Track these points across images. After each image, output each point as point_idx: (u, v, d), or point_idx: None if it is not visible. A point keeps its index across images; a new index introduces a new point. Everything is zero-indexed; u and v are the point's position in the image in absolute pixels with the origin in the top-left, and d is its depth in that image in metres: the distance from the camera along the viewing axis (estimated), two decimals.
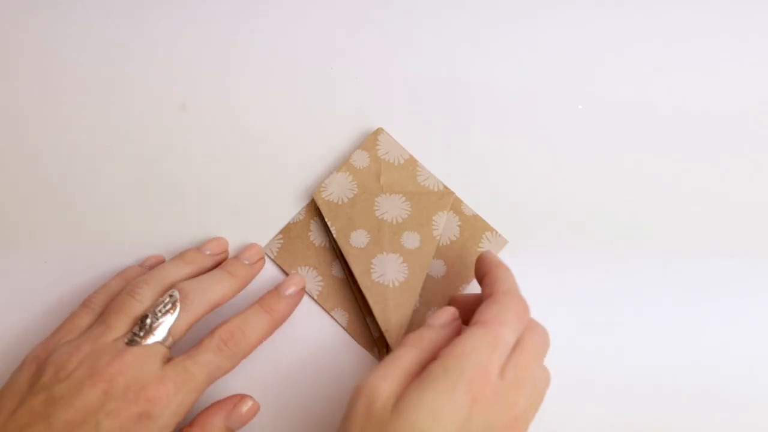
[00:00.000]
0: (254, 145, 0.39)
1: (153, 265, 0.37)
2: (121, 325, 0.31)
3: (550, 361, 0.31)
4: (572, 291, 0.37)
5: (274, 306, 0.34)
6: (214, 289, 0.33)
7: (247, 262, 0.36)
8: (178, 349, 0.32)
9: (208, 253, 0.36)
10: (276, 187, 0.39)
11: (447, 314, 0.32)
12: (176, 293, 0.32)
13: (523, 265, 0.36)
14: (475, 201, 0.38)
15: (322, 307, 0.37)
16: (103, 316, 0.32)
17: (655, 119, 0.39)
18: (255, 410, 0.33)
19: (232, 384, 0.35)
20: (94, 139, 0.39)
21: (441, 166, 0.38)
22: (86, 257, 0.38)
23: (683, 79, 0.40)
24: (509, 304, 0.30)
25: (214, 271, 0.35)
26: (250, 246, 0.37)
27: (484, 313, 0.30)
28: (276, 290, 0.35)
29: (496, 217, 0.38)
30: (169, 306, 0.32)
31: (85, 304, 0.34)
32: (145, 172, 0.39)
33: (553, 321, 0.32)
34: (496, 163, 0.39)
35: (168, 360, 0.31)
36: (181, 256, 0.36)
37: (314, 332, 0.37)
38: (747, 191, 0.39)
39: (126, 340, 0.31)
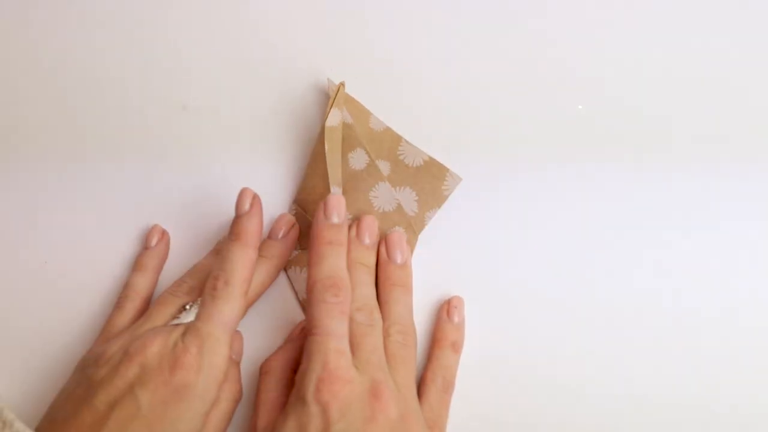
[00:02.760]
0: (254, 145, 0.39)
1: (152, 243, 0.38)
2: (161, 317, 0.33)
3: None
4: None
5: (270, 250, 0.36)
6: (255, 279, 0.35)
7: (281, 235, 0.37)
8: None
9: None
10: (277, 186, 0.39)
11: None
12: (195, 309, 0.34)
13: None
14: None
15: None
16: (147, 311, 0.34)
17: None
18: (241, 339, 0.36)
19: None
20: (95, 136, 0.39)
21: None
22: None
23: None
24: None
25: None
26: (279, 218, 0.37)
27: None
28: (268, 239, 0.37)
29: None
30: (194, 309, 0.33)
31: (118, 302, 0.36)
32: (145, 171, 0.39)
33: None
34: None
35: None
36: (216, 250, 0.37)
37: None
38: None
39: (167, 325, 0.33)
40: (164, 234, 0.38)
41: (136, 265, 0.37)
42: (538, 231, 0.38)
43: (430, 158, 0.38)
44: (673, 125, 0.39)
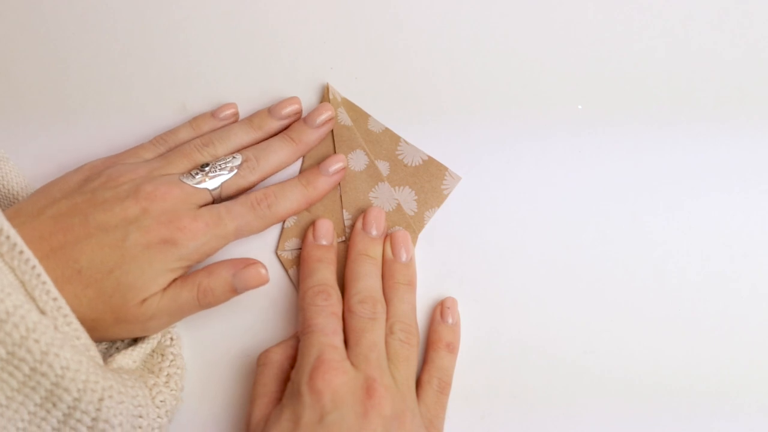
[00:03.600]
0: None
1: (226, 116, 0.38)
2: (180, 166, 0.34)
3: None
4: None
5: (312, 180, 0.36)
6: (272, 158, 0.36)
7: (317, 123, 0.37)
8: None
9: (281, 113, 0.37)
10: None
11: None
12: (239, 157, 0.35)
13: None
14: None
15: None
16: (166, 155, 0.35)
17: None
18: (263, 280, 0.34)
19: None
20: (94, 136, 0.39)
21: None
22: None
23: None
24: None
25: (276, 139, 0.37)
26: (319, 107, 0.38)
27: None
28: (317, 166, 0.37)
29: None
30: (229, 165, 0.35)
31: (153, 141, 0.37)
32: None
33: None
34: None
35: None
36: (250, 120, 0.37)
37: None
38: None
39: (181, 177, 0.33)
40: (232, 109, 0.38)
41: (194, 120, 0.38)
42: (538, 230, 0.38)
43: (430, 158, 0.38)
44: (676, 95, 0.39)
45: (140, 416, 0.30)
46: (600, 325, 0.37)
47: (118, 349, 0.33)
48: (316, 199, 0.37)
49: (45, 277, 0.28)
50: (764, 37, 0.40)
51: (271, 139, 0.37)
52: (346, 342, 0.33)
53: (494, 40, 0.40)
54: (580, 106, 0.39)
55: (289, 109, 0.38)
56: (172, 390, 0.33)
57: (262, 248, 0.37)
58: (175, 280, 0.33)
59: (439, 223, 0.38)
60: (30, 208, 0.31)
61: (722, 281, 0.37)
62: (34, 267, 0.28)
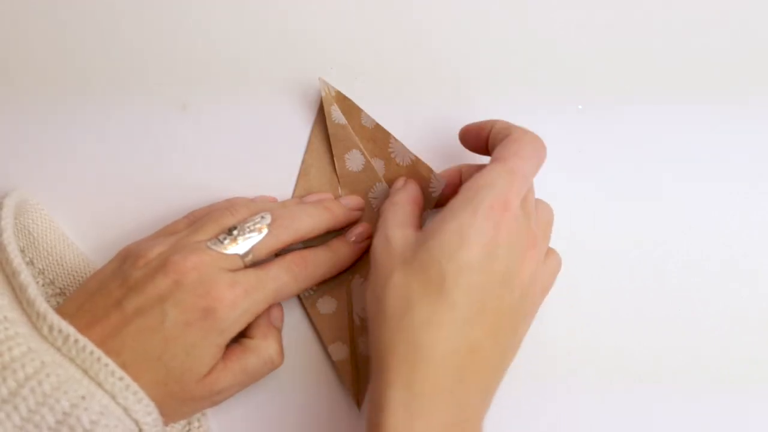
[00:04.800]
0: (254, 145, 0.39)
1: (262, 198, 0.38)
2: (209, 231, 0.33)
3: None
4: None
5: (340, 248, 0.36)
6: (305, 219, 0.35)
7: (346, 206, 0.37)
8: None
9: (311, 200, 0.37)
10: (278, 187, 0.39)
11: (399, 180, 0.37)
12: (268, 216, 0.34)
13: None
14: None
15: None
16: (196, 224, 0.34)
17: None
18: (282, 312, 0.36)
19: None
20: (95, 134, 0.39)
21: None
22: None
23: None
24: (527, 141, 0.32)
25: (310, 203, 0.36)
26: (354, 196, 0.38)
27: (502, 151, 0.31)
28: (342, 236, 0.37)
29: None
30: (259, 225, 0.33)
31: (187, 215, 0.36)
32: (146, 174, 0.39)
33: None
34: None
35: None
36: (283, 202, 0.37)
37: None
38: None
39: (209, 243, 0.32)
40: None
41: (231, 199, 0.37)
42: None
43: (417, 158, 0.37)
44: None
45: None
46: (600, 325, 0.37)
47: None
48: (345, 265, 0.36)
49: (106, 359, 0.28)
50: (765, 39, 0.40)
51: (306, 203, 0.37)
52: None
53: (494, 40, 0.40)
54: (580, 106, 0.39)
55: (318, 197, 0.38)
56: None
57: None
58: (229, 346, 0.32)
59: None
60: (70, 306, 0.31)
61: (722, 281, 0.37)
62: (92, 352, 0.28)
